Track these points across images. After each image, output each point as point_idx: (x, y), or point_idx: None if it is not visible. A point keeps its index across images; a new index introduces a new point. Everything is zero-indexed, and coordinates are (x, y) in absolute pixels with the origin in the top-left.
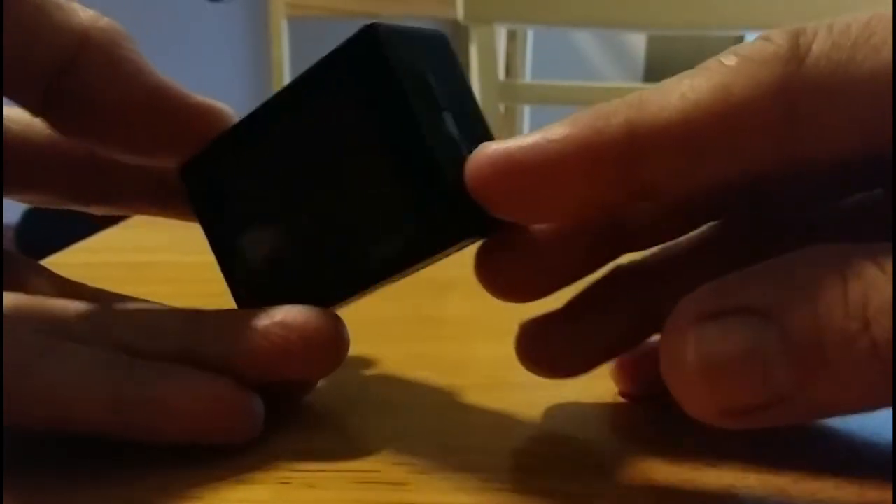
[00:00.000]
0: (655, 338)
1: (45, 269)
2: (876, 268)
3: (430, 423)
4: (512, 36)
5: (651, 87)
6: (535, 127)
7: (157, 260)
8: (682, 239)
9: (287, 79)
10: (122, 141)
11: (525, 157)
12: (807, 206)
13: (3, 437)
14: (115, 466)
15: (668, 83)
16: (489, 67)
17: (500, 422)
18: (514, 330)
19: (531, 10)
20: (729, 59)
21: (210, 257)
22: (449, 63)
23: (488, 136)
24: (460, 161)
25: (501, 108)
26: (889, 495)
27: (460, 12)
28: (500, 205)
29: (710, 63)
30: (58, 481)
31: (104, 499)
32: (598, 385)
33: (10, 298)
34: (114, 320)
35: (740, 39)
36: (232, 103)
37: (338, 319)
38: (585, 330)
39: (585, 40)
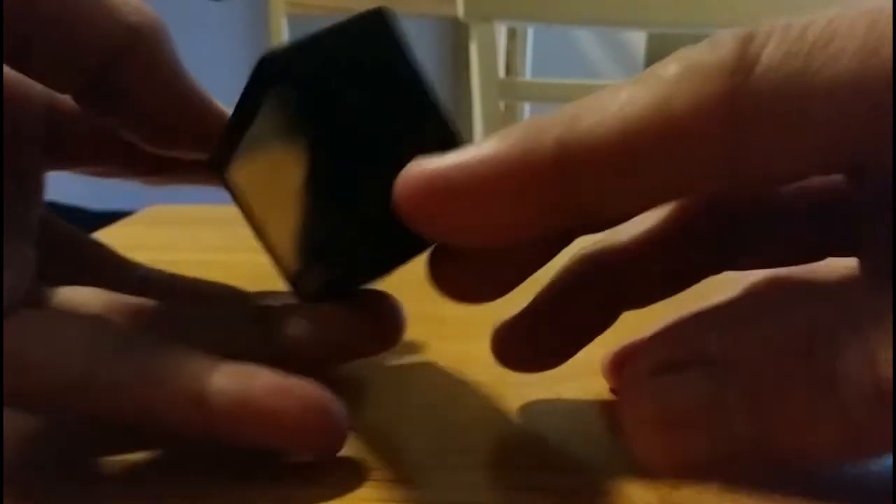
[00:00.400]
0: (640, 335)
1: (106, 248)
2: (843, 324)
3: (430, 423)
4: (512, 34)
5: (588, 97)
6: None
7: (159, 258)
8: (640, 218)
9: None
10: (147, 135)
11: (452, 180)
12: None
13: (3, 436)
14: (110, 466)
15: (606, 94)
16: (489, 65)
17: (500, 421)
18: None
19: (531, 8)
20: (671, 69)
21: (210, 255)
22: (386, 49)
23: (440, 120)
24: (386, 184)
25: (501, 105)
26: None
27: (460, 10)
28: (430, 229)
29: (651, 72)
30: (59, 483)
31: (103, 499)
32: (597, 383)
33: (88, 293)
34: (188, 321)
35: None
36: (232, 102)
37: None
38: (558, 324)
39: (585, 38)
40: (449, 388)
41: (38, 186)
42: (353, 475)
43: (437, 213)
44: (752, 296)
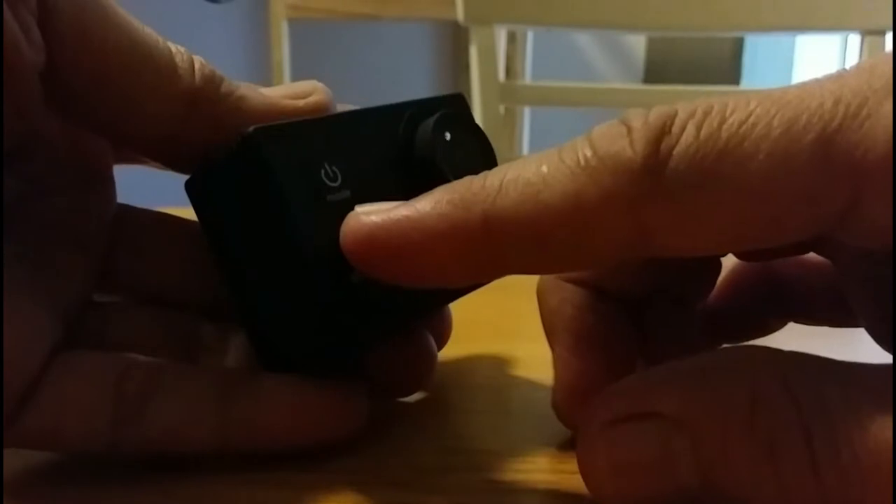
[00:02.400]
0: None
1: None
2: (786, 395)
3: (431, 423)
4: (512, 37)
5: (514, 166)
6: (535, 128)
7: None
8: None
9: (287, 80)
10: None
11: (387, 237)
12: None
13: (3, 437)
14: (106, 466)
15: (530, 168)
16: (489, 68)
17: (502, 422)
18: (516, 331)
19: (531, 11)
20: (586, 157)
21: None
22: (257, 179)
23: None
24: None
25: (501, 109)
26: None
27: (460, 13)
28: (373, 273)
29: (570, 156)
30: (60, 485)
31: (101, 500)
32: None
33: (103, 356)
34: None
35: (740, 41)
36: None
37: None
38: (608, 366)
39: (585, 41)
40: (451, 389)
41: (104, 195)
42: (353, 477)
43: (375, 262)
44: (707, 357)
